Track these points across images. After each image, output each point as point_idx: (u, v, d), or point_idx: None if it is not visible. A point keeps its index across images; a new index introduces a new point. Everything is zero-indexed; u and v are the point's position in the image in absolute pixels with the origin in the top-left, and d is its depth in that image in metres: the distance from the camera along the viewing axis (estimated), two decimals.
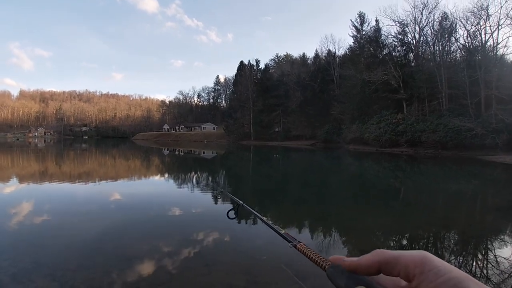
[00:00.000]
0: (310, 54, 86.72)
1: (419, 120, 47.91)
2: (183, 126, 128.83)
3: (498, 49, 49.44)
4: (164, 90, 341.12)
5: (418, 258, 0.50)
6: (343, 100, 59.14)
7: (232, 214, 1.32)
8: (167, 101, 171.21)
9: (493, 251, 7.08)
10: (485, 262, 6.46)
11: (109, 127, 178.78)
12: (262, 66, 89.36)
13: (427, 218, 10.48)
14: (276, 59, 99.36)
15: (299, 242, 0.67)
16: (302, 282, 4.55)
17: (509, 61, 52.32)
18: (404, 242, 8.01)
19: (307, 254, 0.63)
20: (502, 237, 8.66)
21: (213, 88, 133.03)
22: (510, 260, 6.49)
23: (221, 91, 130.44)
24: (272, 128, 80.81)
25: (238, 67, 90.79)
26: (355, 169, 28.09)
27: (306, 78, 71.76)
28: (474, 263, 6.47)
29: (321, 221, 9.50)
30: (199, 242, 6.85)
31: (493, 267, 6.13)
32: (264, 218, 0.97)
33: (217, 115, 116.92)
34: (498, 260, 6.44)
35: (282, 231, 0.80)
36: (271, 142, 72.64)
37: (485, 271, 5.95)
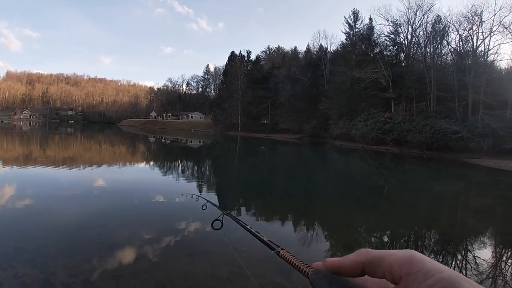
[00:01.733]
0: (302, 48, 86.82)
1: (406, 119, 48.29)
2: (170, 114, 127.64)
3: (488, 55, 49.89)
4: (152, 77, 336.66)
5: (405, 257, 0.47)
6: (332, 96, 59.13)
7: (217, 224, 1.26)
8: (155, 88, 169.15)
9: (472, 252, 7.26)
10: (465, 262, 6.63)
11: (96, 112, 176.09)
12: (253, 57, 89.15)
13: (410, 217, 10.68)
14: (268, 51, 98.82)
15: (282, 249, 0.65)
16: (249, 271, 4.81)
17: (498, 67, 53.05)
18: (386, 239, 8.13)
19: (290, 260, 0.60)
20: (482, 239, 8.87)
21: (202, 77, 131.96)
22: (489, 262, 6.69)
23: (210, 81, 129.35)
24: (260, 120, 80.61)
25: (229, 57, 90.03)
26: (340, 165, 28.22)
27: (296, 72, 71.60)
28: (454, 263, 6.61)
29: (305, 217, 9.55)
30: (182, 231, 6.86)
31: (472, 268, 6.28)
32: (248, 226, 0.98)
33: (205, 104, 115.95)
34: (477, 261, 6.63)
35: (265, 239, 0.80)
36: (258, 134, 72.53)
37: (464, 272, 6.05)
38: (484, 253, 7.16)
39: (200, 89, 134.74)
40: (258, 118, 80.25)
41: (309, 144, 54.03)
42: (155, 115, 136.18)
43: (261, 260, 5.18)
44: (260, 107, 77.79)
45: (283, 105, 70.96)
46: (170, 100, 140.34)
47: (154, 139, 49.27)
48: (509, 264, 6.91)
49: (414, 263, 0.45)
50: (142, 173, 16.41)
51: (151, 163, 21.07)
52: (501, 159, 35.10)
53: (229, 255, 5.48)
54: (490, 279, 5.95)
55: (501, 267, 6.61)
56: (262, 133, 73.48)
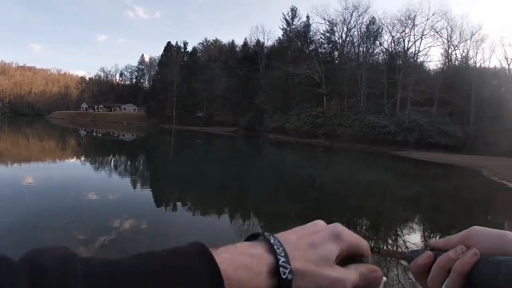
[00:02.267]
0: (239, 42, 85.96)
1: (337, 114, 50.12)
2: (102, 106, 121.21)
3: (418, 56, 53.86)
4: (84, 66, 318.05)
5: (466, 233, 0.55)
6: (267, 90, 59.65)
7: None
8: (87, 78, 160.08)
9: (402, 237, 7.66)
10: (395, 247, 7.01)
11: (24, 103, 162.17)
12: (189, 49, 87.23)
13: (340, 206, 10.98)
14: (205, 43, 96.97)
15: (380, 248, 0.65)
16: None
17: (427, 68, 57.19)
18: None
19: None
20: (410, 224, 9.33)
21: (136, 67, 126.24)
22: (418, 245, 7.10)
23: (145, 71, 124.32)
24: (195, 113, 79.09)
25: (165, 47, 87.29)
26: (274, 157, 28.50)
27: (233, 65, 71.21)
28: (385, 247, 6.61)
29: (240, 208, 9.55)
30: (116, 229, 6.60)
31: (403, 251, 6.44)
32: None
33: (139, 96, 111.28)
34: (407, 245, 7.00)
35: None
36: (193, 127, 71.05)
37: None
38: (413, 238, 7.57)
39: (134, 80, 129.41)
40: (193, 110, 78.70)
41: (244, 137, 54.29)
42: (86, 106, 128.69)
43: None
44: (195, 99, 76.30)
45: (219, 98, 70.26)
46: (103, 91, 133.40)
47: (85, 132, 46.65)
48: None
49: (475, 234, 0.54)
50: (73, 169, 15.39)
51: (83, 158, 19.76)
52: (427, 152, 37.43)
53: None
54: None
55: (381, 257, 6.83)
56: (197, 126, 72.04)
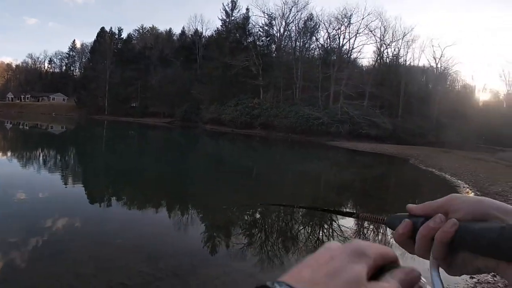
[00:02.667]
0: (177, 31, 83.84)
1: (273, 106, 50.88)
2: (29, 96, 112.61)
3: (352, 53, 56.71)
4: (11, 52, 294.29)
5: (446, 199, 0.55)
6: (204, 80, 59.10)
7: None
8: (13, 65, 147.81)
9: (337, 221, 7.94)
10: (331, 231, 7.41)
11: None
12: (124, 35, 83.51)
13: (277, 194, 11.05)
14: (141, 31, 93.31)
15: (359, 213, 0.69)
16: None
17: (360, 64, 60.29)
18: (258, 216, 8.45)
19: (369, 217, 0.65)
20: (343, 209, 9.19)
21: (67, 53, 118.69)
22: (352, 228, 7.51)
23: (76, 58, 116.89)
24: (129, 103, 75.93)
25: (98, 33, 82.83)
26: (211, 148, 28.43)
27: (169, 54, 69.54)
28: (321, 233, 7.35)
29: (178, 201, 9.32)
30: (47, 230, 6.03)
31: (338, 235, 7.04)
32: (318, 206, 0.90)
33: (69, 84, 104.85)
34: (342, 229, 7.35)
35: (341, 210, 0.83)
36: (127, 118, 68.09)
37: (331, 239, 6.55)
38: (347, 222, 7.72)
39: (64, 68, 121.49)
40: (127, 101, 75.50)
41: (180, 128, 53.64)
42: (12, 97, 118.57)
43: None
44: (129, 89, 73.23)
45: (154, 87, 68.11)
46: (30, 79, 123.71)
47: (11, 125, 42.77)
48: (370, 230, 7.59)
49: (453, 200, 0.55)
50: None
51: (8, 154, 17.65)
52: (357, 142, 39.45)
53: (96, 249, 5.19)
54: (355, 233, 6.78)
55: (364, 232, 7.37)
56: (131, 117, 69.18)
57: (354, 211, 0.66)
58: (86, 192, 9.48)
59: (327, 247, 0.41)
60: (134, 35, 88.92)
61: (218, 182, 12.62)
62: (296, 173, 16.86)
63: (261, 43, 59.90)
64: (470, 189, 13.85)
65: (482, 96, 63.87)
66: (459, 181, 15.99)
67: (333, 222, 8.01)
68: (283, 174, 16.26)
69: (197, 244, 5.87)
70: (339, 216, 8.15)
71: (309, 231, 7.57)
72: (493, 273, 0.45)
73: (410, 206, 0.58)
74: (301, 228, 7.73)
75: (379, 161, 26.46)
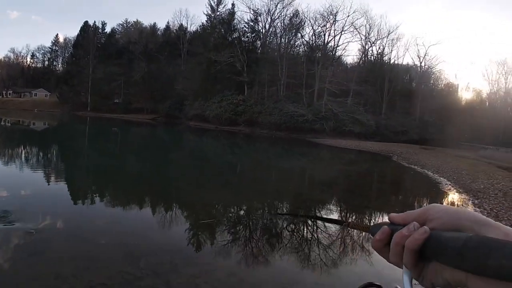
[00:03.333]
0: (162, 25, 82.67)
1: (257, 102, 51.03)
2: (11, 91, 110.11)
3: (337, 50, 56.88)
4: None
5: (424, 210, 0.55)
6: (188, 76, 58.66)
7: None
8: None
9: (320, 215, 8.26)
10: (315, 227, 7.24)
11: None
12: (108, 29, 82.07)
13: (261, 191, 11.23)
14: (125, 25, 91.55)
15: (348, 222, 0.70)
16: None
17: (345, 62, 61.09)
18: (242, 213, 8.49)
19: (358, 226, 0.66)
20: (327, 206, 9.75)
21: (50, 48, 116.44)
22: (336, 225, 6.99)
23: (59, 53, 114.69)
24: (112, 99, 74.86)
25: (81, 27, 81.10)
26: (196, 145, 28.35)
27: (153, 49, 68.66)
28: (305, 229, 7.25)
29: (163, 199, 9.23)
30: (26, 230, 5.71)
31: (322, 231, 6.97)
32: (306, 214, 0.95)
33: (51, 80, 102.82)
34: (326, 225, 7.20)
35: (332, 217, 0.82)
36: (110, 114, 67.02)
37: (315, 235, 6.84)
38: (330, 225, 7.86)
39: (47, 63, 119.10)
40: (110, 96, 74.38)
41: (164, 125, 53.14)
42: None
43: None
44: (112, 84, 72.09)
45: (138, 83, 67.23)
46: (12, 74, 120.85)
47: None
48: (353, 236, 7.57)
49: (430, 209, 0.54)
50: None
51: None
52: (341, 139, 39.62)
53: (78, 248, 5.03)
54: (339, 239, 6.64)
55: (347, 229, 7.19)
56: (114, 113, 68.12)
57: (344, 220, 0.61)
58: (67, 191, 9.26)
59: None
60: (118, 29, 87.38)
61: (201, 180, 12.48)
62: (280, 170, 16.88)
63: (246, 39, 59.48)
64: (452, 186, 13.96)
65: (465, 94, 64.92)
66: (441, 178, 16.20)
67: (317, 221, 7.92)
68: (267, 171, 16.31)
69: (179, 243, 5.81)
70: (323, 215, 8.35)
71: (293, 228, 7.48)
72: None
73: (392, 215, 0.58)
74: (285, 225, 7.64)
75: (363, 158, 26.70)
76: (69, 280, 4.11)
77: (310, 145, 34.20)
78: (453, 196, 12.42)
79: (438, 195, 12.84)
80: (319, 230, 7.15)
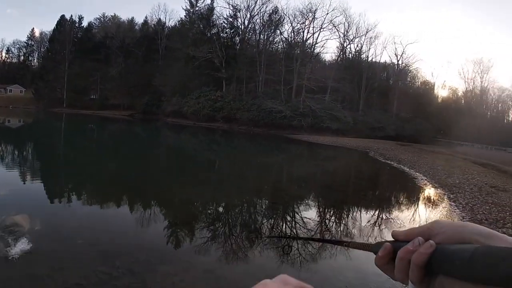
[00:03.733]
0: (140, 20, 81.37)
1: (236, 99, 50.70)
2: None
3: (315, 47, 56.94)
4: None
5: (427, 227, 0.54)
6: (166, 72, 57.80)
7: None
8: None
9: (299, 213, 8.07)
10: (294, 223, 7.42)
11: None
12: (85, 24, 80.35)
13: (240, 187, 11.33)
14: (102, 19, 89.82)
15: (348, 242, 0.68)
16: None
17: (323, 59, 61.41)
18: (221, 210, 8.51)
19: (360, 246, 0.64)
20: (306, 201, 9.86)
21: (25, 42, 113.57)
22: (314, 220, 7.66)
23: (34, 48, 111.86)
24: (88, 95, 73.36)
25: (58, 21, 79.02)
26: (174, 142, 28.38)
27: (130, 44, 67.52)
28: (285, 225, 7.38)
29: (135, 196, 9.15)
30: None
31: (301, 227, 7.08)
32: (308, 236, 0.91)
33: (27, 76, 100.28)
34: (304, 220, 7.39)
35: (332, 238, 0.80)
36: (86, 111, 65.68)
37: (294, 231, 6.88)
38: (310, 213, 8.05)
39: (22, 58, 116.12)
40: (86, 92, 72.91)
41: (141, 121, 52.78)
42: None
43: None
44: (88, 80, 70.53)
45: (115, 79, 66.00)
46: None
47: None
48: (332, 221, 7.97)
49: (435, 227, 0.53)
50: None
51: None
52: (319, 135, 40.23)
53: (52, 249, 4.84)
54: (318, 234, 6.75)
55: (326, 223, 7.57)
56: (90, 110, 66.77)
57: (344, 240, 0.65)
58: (41, 190, 9.10)
59: (262, 283, 0.46)
60: (95, 24, 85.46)
61: (178, 177, 12.48)
62: (258, 166, 17.04)
63: (225, 35, 59.12)
64: (428, 181, 14.22)
65: (442, 92, 65.96)
66: (417, 173, 16.57)
67: (296, 215, 8.08)
68: (246, 167, 16.42)
69: (156, 241, 5.76)
70: (302, 211, 8.44)
71: (272, 224, 7.53)
72: None
73: (395, 231, 0.57)
74: (264, 221, 7.64)
75: (340, 154, 27.04)
76: (43, 280, 4.03)
77: (288, 141, 34.41)
78: (429, 191, 12.68)
79: (414, 190, 13.10)
80: (297, 225, 7.20)
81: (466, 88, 62.45)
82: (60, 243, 5.11)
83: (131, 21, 78.77)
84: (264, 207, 9.06)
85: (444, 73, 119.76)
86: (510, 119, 63.71)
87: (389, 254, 0.54)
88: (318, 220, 7.75)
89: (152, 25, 72.50)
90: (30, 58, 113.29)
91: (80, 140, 25.45)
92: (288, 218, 7.80)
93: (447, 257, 0.46)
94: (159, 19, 71.69)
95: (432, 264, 0.48)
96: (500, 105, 63.95)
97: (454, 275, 0.45)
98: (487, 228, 0.49)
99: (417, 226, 0.54)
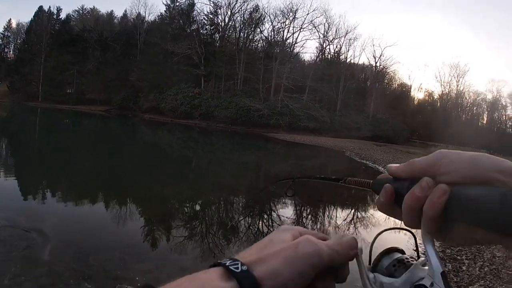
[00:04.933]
0: (119, 13, 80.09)
1: (214, 96, 50.65)
2: None
3: (295, 47, 57.46)
4: None
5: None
6: (144, 67, 57.10)
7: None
8: None
9: (276, 212, 8.31)
10: (270, 221, 7.65)
11: None
12: (63, 16, 78.56)
13: (217, 185, 11.44)
14: (81, 11, 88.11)
15: (346, 178, 0.67)
16: None
17: (302, 59, 62.41)
18: (198, 207, 8.50)
19: (356, 182, 0.61)
20: (283, 200, 9.78)
21: (1, 34, 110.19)
22: (291, 218, 7.87)
23: (11, 39, 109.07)
24: (65, 89, 71.70)
25: (35, 12, 77.08)
26: (151, 139, 28.18)
27: (109, 38, 66.32)
28: (261, 222, 7.59)
29: (115, 194, 9.08)
30: None
31: (277, 224, 7.24)
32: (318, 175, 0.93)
33: (2, 68, 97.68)
34: (281, 218, 7.61)
35: (332, 176, 0.78)
36: (62, 105, 64.17)
37: (271, 229, 6.78)
38: (286, 212, 8.25)
39: None
40: (62, 86, 71.24)
41: (118, 117, 51.77)
42: None
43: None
44: (65, 74, 68.96)
45: (91, 73, 64.68)
46: None
47: None
48: (308, 218, 8.19)
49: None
50: None
51: None
52: (296, 134, 40.41)
53: None
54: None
55: (302, 221, 7.79)
56: (66, 104, 65.30)
57: (341, 178, 0.63)
58: (14, 187, 8.85)
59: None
60: (73, 16, 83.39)
61: (154, 175, 12.36)
62: (235, 164, 17.31)
63: (205, 31, 58.89)
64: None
65: (418, 95, 67.06)
66: (380, 167, 16.76)
67: (273, 212, 8.39)
68: (223, 165, 16.65)
69: (131, 239, 5.70)
70: (278, 209, 8.72)
71: (249, 222, 7.59)
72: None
73: (392, 168, 0.50)
74: (241, 218, 7.72)
75: (316, 153, 27.29)
76: (15, 279, 3.94)
77: (265, 139, 34.62)
78: None
79: None
80: (275, 224, 7.33)
81: (442, 91, 63.79)
82: (31, 241, 5.00)
83: (110, 14, 77.53)
84: (240, 204, 9.28)
85: (421, 76, 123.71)
86: (485, 122, 64.80)
87: (392, 196, 0.47)
88: (294, 218, 7.97)
89: (132, 19, 71.44)
90: (6, 50, 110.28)
91: (54, 135, 24.93)
92: (265, 216, 7.99)
93: (468, 205, 0.39)
94: (139, 13, 70.48)
95: (449, 211, 0.40)
96: (475, 108, 65.27)
97: (480, 225, 0.38)
98: (505, 160, 0.42)
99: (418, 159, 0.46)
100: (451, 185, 0.41)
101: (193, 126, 43.37)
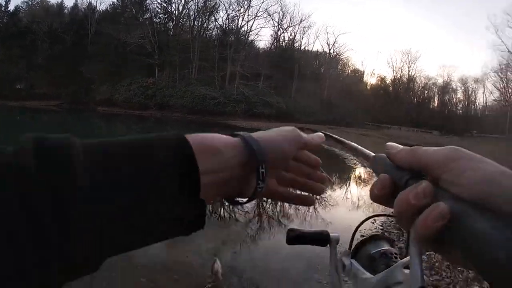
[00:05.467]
0: (69, 4, 77.16)
1: (169, 85, 49.92)
2: None
3: (250, 35, 57.70)
4: None
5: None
6: (96, 58, 55.52)
7: None
8: None
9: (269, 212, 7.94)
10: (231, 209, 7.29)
11: None
12: (12, 7, 74.80)
13: None
14: (30, 2, 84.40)
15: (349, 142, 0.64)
16: None
17: (257, 46, 62.02)
18: None
19: (355, 149, 0.57)
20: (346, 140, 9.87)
21: None
22: (280, 221, 7.31)
23: None
24: (14, 85, 68.55)
25: None
26: (100, 132, 27.70)
27: (58, 29, 63.69)
28: (221, 209, 7.28)
29: None
30: None
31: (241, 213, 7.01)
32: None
33: None
34: (269, 222, 7.12)
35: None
36: (10, 102, 61.11)
37: (233, 215, 6.94)
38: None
39: None
40: (11, 81, 68.06)
41: (70, 111, 49.60)
42: None
43: None
44: (13, 68, 65.88)
45: (41, 66, 62.14)
46: None
47: None
48: (269, 203, 7.82)
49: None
50: None
51: None
52: (253, 121, 40.61)
53: None
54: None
55: (263, 206, 7.62)
56: (15, 101, 62.37)
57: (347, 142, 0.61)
58: None
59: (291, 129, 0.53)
60: (22, 7, 79.73)
61: None
62: None
63: (158, 20, 57.80)
64: (358, 161, 14.75)
65: (371, 80, 68.76)
66: (347, 154, 16.85)
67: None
68: None
69: None
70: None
71: (209, 208, 7.45)
72: None
73: (392, 150, 0.41)
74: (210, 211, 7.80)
75: None
76: None
77: (222, 127, 34.46)
78: (359, 170, 13.67)
79: (345, 169, 14.04)
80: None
81: (394, 76, 65.48)
82: None
83: (60, 5, 74.24)
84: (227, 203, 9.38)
85: (373, 62, 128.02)
86: (436, 105, 67.30)
87: (390, 189, 0.38)
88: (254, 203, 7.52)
89: (82, 9, 68.98)
90: None
91: (7, 133, 24.08)
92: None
93: (471, 240, 0.28)
94: (90, 2, 67.97)
95: (444, 238, 0.31)
96: (426, 92, 67.53)
97: (480, 274, 0.28)
98: None
99: (421, 148, 0.37)
100: (454, 200, 0.31)
101: (148, 117, 42.64)
